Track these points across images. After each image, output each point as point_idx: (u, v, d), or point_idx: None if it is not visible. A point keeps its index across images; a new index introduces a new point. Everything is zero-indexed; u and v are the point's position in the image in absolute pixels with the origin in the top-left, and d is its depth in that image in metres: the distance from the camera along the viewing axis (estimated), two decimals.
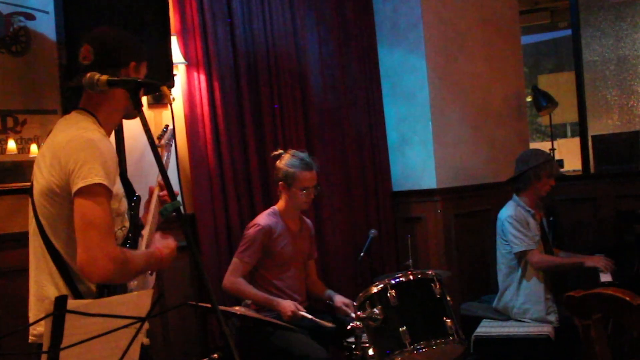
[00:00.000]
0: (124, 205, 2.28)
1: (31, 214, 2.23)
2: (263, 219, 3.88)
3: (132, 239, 2.30)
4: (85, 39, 2.30)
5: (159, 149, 2.70)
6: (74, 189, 2.08)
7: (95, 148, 2.11)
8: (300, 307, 3.67)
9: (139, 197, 2.39)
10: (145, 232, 2.41)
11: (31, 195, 2.23)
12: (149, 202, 2.53)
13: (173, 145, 2.82)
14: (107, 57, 2.24)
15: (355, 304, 3.33)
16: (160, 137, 2.72)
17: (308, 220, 4.15)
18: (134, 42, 2.35)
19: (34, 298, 2.22)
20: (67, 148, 2.12)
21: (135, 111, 2.36)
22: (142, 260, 2.22)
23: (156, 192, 2.53)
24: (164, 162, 2.67)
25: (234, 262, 3.81)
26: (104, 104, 2.28)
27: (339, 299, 3.86)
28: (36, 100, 3.49)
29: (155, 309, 1.86)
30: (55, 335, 1.64)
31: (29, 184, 2.29)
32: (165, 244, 2.35)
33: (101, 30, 2.36)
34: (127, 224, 2.30)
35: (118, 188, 2.23)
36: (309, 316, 3.62)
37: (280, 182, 3.87)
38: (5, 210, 3.33)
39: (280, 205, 3.94)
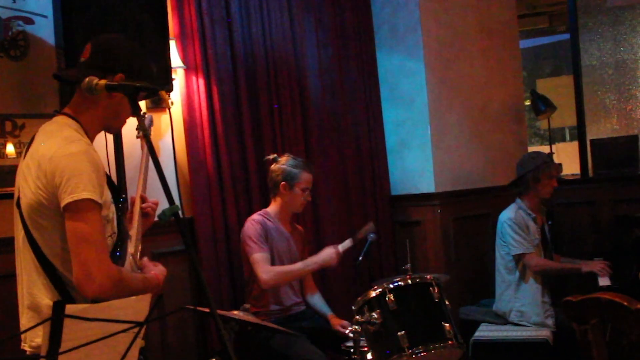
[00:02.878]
0: (112, 211, 2.26)
1: (19, 224, 2.21)
2: (254, 216, 3.90)
3: (120, 245, 2.28)
4: (94, 38, 2.30)
5: (141, 140, 2.69)
6: (62, 203, 2.06)
7: (81, 161, 2.09)
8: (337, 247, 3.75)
9: (125, 199, 2.38)
10: (132, 233, 2.39)
11: (18, 206, 2.21)
12: (130, 212, 2.51)
13: (151, 133, 2.80)
14: (99, 60, 2.23)
15: (353, 308, 3.33)
16: (139, 128, 2.70)
17: (299, 227, 4.18)
18: (135, 57, 2.30)
19: (28, 309, 2.20)
20: (52, 161, 2.10)
21: (115, 126, 2.37)
22: (140, 283, 2.22)
23: (137, 204, 2.49)
24: (145, 152, 2.66)
25: (257, 258, 3.70)
26: (91, 111, 2.26)
27: (336, 322, 3.87)
28: (35, 105, 3.49)
29: (153, 313, 1.86)
30: (54, 340, 1.64)
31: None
32: (160, 270, 2.36)
33: (111, 35, 2.36)
34: (116, 229, 2.28)
35: (105, 195, 2.20)
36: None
37: (282, 183, 3.87)
38: (5, 214, 3.32)
39: (272, 208, 3.97)
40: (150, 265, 2.39)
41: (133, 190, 2.55)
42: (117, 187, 2.40)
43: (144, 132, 2.04)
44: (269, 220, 3.90)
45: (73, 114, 2.25)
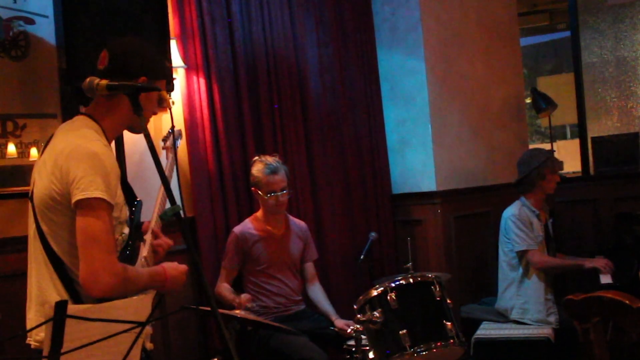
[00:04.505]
0: (124, 213, 2.28)
1: (31, 218, 2.24)
2: (239, 225, 4.00)
3: (131, 245, 2.29)
4: (107, 44, 2.32)
5: (166, 151, 2.71)
6: (73, 200, 2.08)
7: (96, 160, 2.11)
8: (248, 302, 3.62)
9: (140, 202, 2.39)
10: (147, 237, 2.40)
11: (31, 200, 2.23)
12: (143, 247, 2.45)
13: (178, 147, 2.82)
14: (119, 67, 2.24)
15: (355, 306, 3.33)
16: (165, 139, 2.72)
17: (300, 223, 4.19)
18: (153, 58, 2.33)
19: (35, 303, 2.22)
20: (68, 158, 2.12)
21: (141, 126, 2.37)
22: (145, 278, 2.22)
23: (149, 240, 2.44)
24: (169, 163, 2.68)
25: (220, 270, 3.95)
26: (110, 113, 2.28)
27: (340, 323, 3.87)
28: (36, 105, 3.49)
29: (155, 313, 1.87)
30: (56, 340, 1.64)
31: (29, 188, 2.29)
32: (174, 266, 2.32)
33: (124, 39, 2.36)
34: (127, 231, 2.30)
35: (119, 196, 2.22)
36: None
37: (252, 189, 3.98)
38: (6, 214, 3.33)
39: (260, 212, 4.04)
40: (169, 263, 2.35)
41: (135, 190, 2.54)
42: (131, 190, 2.42)
43: (146, 133, 2.04)
44: (257, 225, 3.97)
45: (94, 116, 2.28)
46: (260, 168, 3.90)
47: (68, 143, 2.16)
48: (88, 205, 2.07)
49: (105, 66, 2.25)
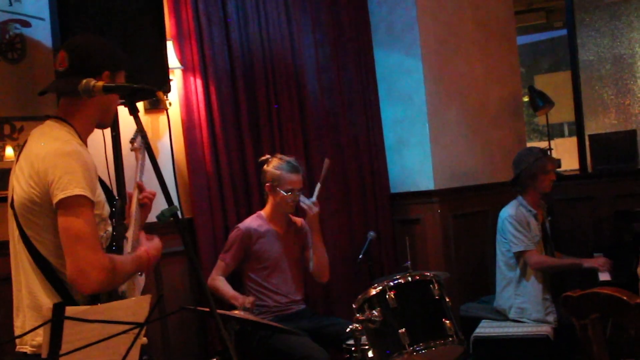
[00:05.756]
0: (106, 210, 2.29)
1: (13, 225, 2.23)
2: (245, 222, 3.97)
3: (116, 242, 2.31)
4: (63, 45, 2.33)
5: (135, 152, 2.73)
6: (55, 200, 2.09)
7: (73, 159, 2.12)
8: (251, 304, 3.60)
9: (118, 201, 2.40)
10: (129, 235, 2.42)
11: (12, 206, 2.23)
12: (129, 207, 2.53)
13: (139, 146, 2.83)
14: (80, 65, 2.25)
15: (354, 306, 3.33)
16: (132, 141, 2.73)
17: (297, 220, 4.17)
18: (111, 51, 2.34)
19: (27, 309, 2.20)
20: (45, 159, 2.13)
21: (106, 121, 2.39)
22: (130, 264, 2.25)
23: (135, 195, 2.53)
24: (139, 163, 2.68)
25: (217, 262, 3.90)
26: (80, 112, 2.28)
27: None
28: (33, 107, 3.49)
29: (153, 314, 1.87)
30: (54, 342, 1.64)
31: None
32: (152, 246, 2.39)
33: (78, 38, 2.38)
34: (110, 228, 2.31)
35: (99, 194, 2.24)
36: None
37: (267, 184, 3.94)
38: (5, 217, 3.32)
39: (266, 209, 4.02)
40: (143, 241, 2.43)
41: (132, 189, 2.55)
42: (110, 189, 2.43)
43: (143, 134, 2.04)
44: (261, 222, 3.96)
45: (65, 118, 2.28)
46: (281, 165, 3.90)
47: (43, 146, 2.17)
48: (69, 203, 2.08)
49: (66, 67, 2.26)
